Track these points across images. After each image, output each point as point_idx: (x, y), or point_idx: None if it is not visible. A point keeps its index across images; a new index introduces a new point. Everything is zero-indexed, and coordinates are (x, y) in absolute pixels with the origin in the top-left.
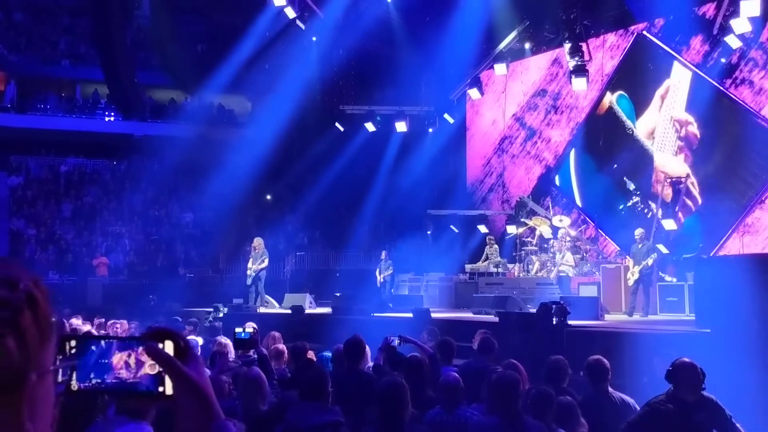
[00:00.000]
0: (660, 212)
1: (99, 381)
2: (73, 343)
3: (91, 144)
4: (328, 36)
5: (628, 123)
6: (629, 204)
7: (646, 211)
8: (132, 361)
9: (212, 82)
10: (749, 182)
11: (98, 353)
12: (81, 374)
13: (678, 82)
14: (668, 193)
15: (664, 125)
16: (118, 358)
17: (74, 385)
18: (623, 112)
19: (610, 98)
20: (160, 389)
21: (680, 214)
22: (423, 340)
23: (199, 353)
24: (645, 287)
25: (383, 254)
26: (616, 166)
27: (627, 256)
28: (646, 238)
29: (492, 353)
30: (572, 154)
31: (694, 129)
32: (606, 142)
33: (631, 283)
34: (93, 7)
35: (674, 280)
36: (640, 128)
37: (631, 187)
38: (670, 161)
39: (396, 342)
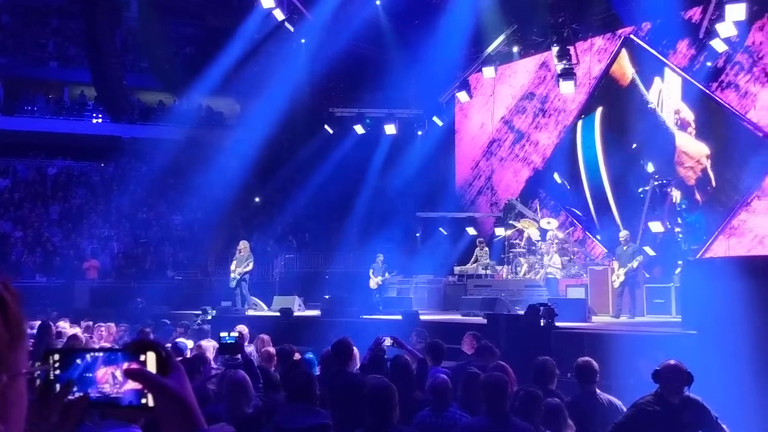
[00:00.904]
0: (679, 196)
1: (81, 395)
2: (56, 356)
3: (78, 146)
4: (317, 38)
5: (648, 97)
6: (648, 188)
7: (666, 191)
8: (118, 374)
9: (201, 84)
10: (734, 185)
11: (83, 367)
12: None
13: (669, 88)
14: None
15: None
16: (103, 372)
17: None
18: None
19: (632, 70)
20: (143, 401)
21: (701, 198)
22: (412, 342)
23: (189, 356)
24: (631, 289)
25: (380, 258)
26: (635, 145)
27: (613, 258)
28: (631, 240)
29: (494, 357)
30: (598, 113)
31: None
32: (625, 118)
33: (616, 285)
34: (81, 9)
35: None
36: None
37: (650, 169)
38: (689, 142)
39: (388, 342)
